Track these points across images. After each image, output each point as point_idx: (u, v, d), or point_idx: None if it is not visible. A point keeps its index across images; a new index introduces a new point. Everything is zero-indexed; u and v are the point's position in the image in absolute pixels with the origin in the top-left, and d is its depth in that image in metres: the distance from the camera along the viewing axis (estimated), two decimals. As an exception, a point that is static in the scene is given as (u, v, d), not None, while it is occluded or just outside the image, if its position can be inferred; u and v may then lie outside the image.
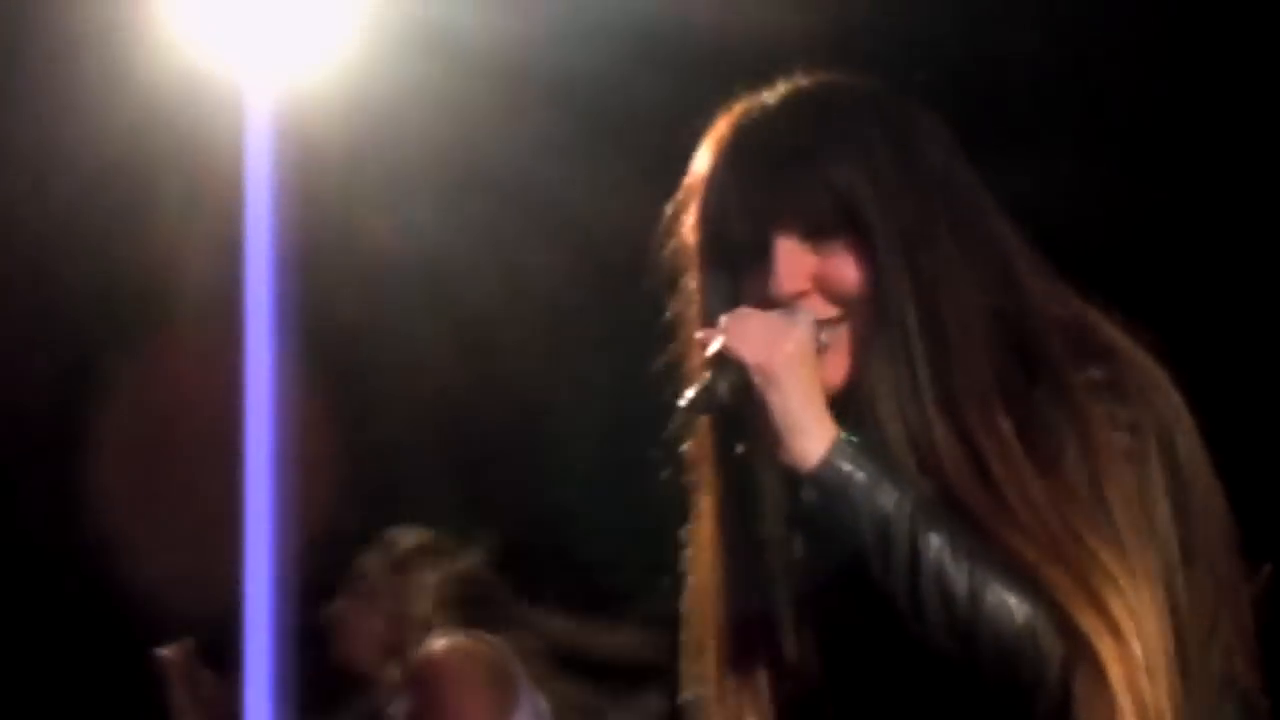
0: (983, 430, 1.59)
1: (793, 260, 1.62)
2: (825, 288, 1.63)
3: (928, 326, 1.61)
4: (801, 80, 1.69)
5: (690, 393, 1.60)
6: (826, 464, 1.56)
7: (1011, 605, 1.54)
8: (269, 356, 3.74)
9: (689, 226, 1.69)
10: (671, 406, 1.66)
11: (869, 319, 1.62)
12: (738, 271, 1.67)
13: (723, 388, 1.58)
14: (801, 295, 1.62)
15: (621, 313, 4.04)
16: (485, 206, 4.13)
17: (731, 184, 1.65)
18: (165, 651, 3.45)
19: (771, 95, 1.68)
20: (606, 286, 4.13)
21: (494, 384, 4.28)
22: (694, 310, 1.69)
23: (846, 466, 1.56)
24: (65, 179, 4.02)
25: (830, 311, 1.62)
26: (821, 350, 1.61)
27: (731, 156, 1.66)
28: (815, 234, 1.62)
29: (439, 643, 3.29)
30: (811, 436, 1.57)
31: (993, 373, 1.61)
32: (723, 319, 1.61)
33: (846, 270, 1.62)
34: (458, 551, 3.50)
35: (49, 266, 4.24)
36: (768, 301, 1.62)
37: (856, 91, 1.68)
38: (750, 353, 1.58)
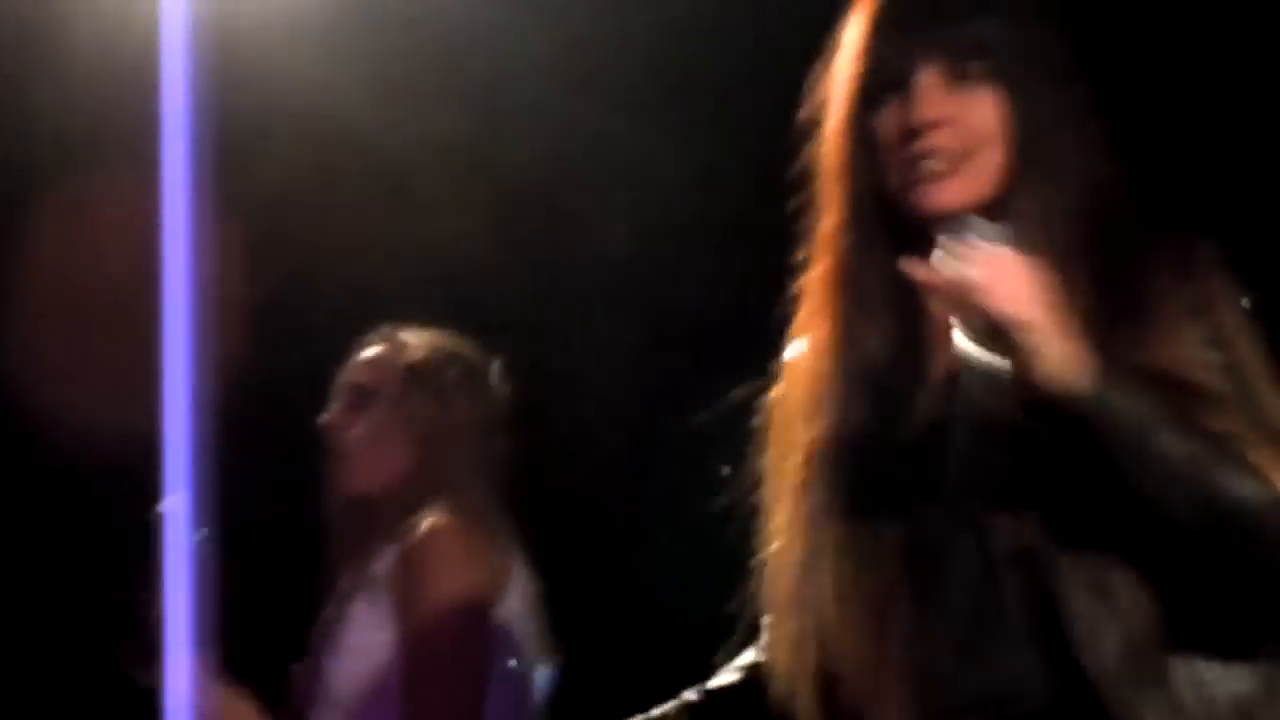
0: (1116, 252, 1.78)
1: (935, 93, 1.80)
2: (959, 123, 1.80)
3: (1064, 165, 1.81)
4: None
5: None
6: (1095, 396, 1.67)
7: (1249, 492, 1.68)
8: (186, 207, 3.70)
9: (838, 67, 1.89)
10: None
11: (999, 155, 1.80)
12: (877, 109, 1.84)
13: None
14: (937, 124, 1.79)
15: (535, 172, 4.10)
16: (407, 64, 4.11)
17: (890, 26, 1.85)
18: (166, 506, 3.01)
19: None
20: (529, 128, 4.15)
21: (415, 238, 4.26)
22: (829, 149, 1.88)
23: (1112, 399, 1.66)
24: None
25: (955, 144, 1.79)
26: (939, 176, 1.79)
27: (890, 8, 1.86)
28: (958, 77, 1.81)
29: (432, 519, 2.86)
30: (1072, 370, 1.67)
31: (1121, 216, 1.82)
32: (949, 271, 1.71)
33: (983, 111, 1.81)
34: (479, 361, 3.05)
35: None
36: (901, 128, 1.80)
37: None
38: (1011, 307, 1.68)
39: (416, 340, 3.06)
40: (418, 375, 3.00)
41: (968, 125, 1.82)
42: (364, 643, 2.89)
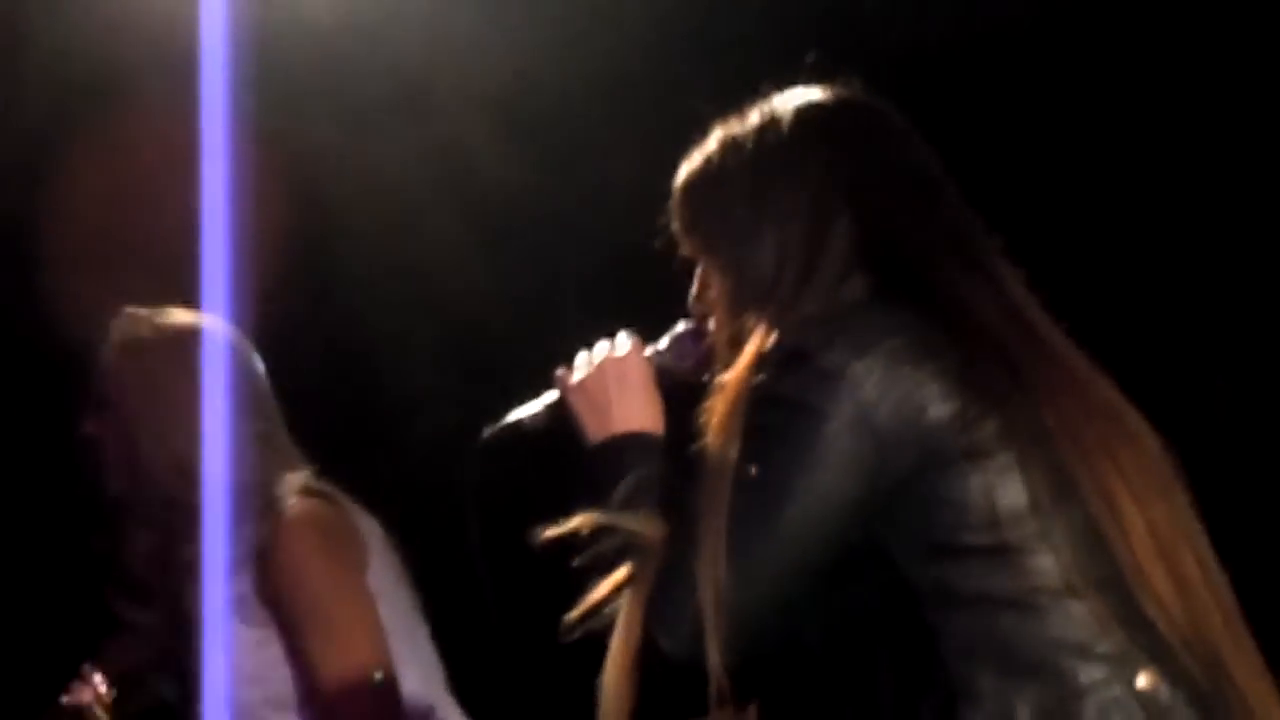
0: None
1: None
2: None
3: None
4: (734, 122, 2.16)
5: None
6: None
7: None
8: (225, 144, 3.65)
9: None
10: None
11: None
12: None
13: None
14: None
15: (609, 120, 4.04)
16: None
17: None
18: (75, 698, 2.89)
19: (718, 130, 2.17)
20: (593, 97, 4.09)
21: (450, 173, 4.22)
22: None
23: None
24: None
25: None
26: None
27: None
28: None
29: (287, 511, 2.82)
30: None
31: None
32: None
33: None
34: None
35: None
36: None
37: (754, 134, 2.13)
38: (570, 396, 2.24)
39: (133, 325, 2.97)
40: (130, 364, 2.92)
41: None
42: (258, 666, 2.85)
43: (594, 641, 2.01)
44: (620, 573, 2.00)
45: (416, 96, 4.09)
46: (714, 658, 1.88)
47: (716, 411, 1.98)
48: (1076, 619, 1.90)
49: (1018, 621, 1.90)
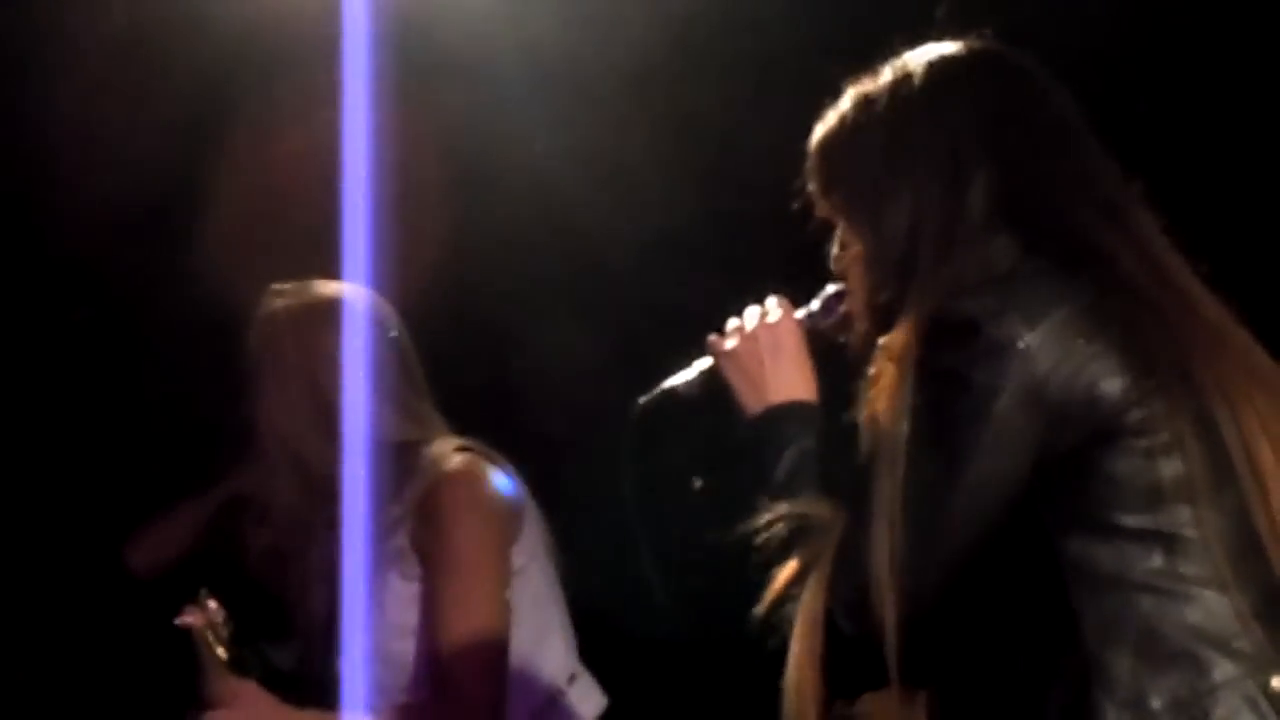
0: None
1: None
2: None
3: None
4: (867, 79, 2.15)
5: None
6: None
7: None
8: (368, 126, 3.67)
9: None
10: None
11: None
12: None
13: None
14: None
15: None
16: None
17: None
18: (188, 618, 2.90)
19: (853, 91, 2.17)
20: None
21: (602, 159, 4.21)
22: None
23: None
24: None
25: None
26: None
27: None
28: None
29: (449, 464, 2.88)
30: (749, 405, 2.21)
31: None
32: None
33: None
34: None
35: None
36: None
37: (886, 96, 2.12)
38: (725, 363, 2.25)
39: (277, 299, 3.02)
40: (274, 337, 2.97)
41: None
42: (414, 619, 2.86)
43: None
44: (795, 561, 1.98)
45: (557, 70, 4.08)
46: (889, 632, 1.87)
47: (883, 382, 1.95)
48: (1218, 612, 1.87)
49: (1160, 607, 1.87)
